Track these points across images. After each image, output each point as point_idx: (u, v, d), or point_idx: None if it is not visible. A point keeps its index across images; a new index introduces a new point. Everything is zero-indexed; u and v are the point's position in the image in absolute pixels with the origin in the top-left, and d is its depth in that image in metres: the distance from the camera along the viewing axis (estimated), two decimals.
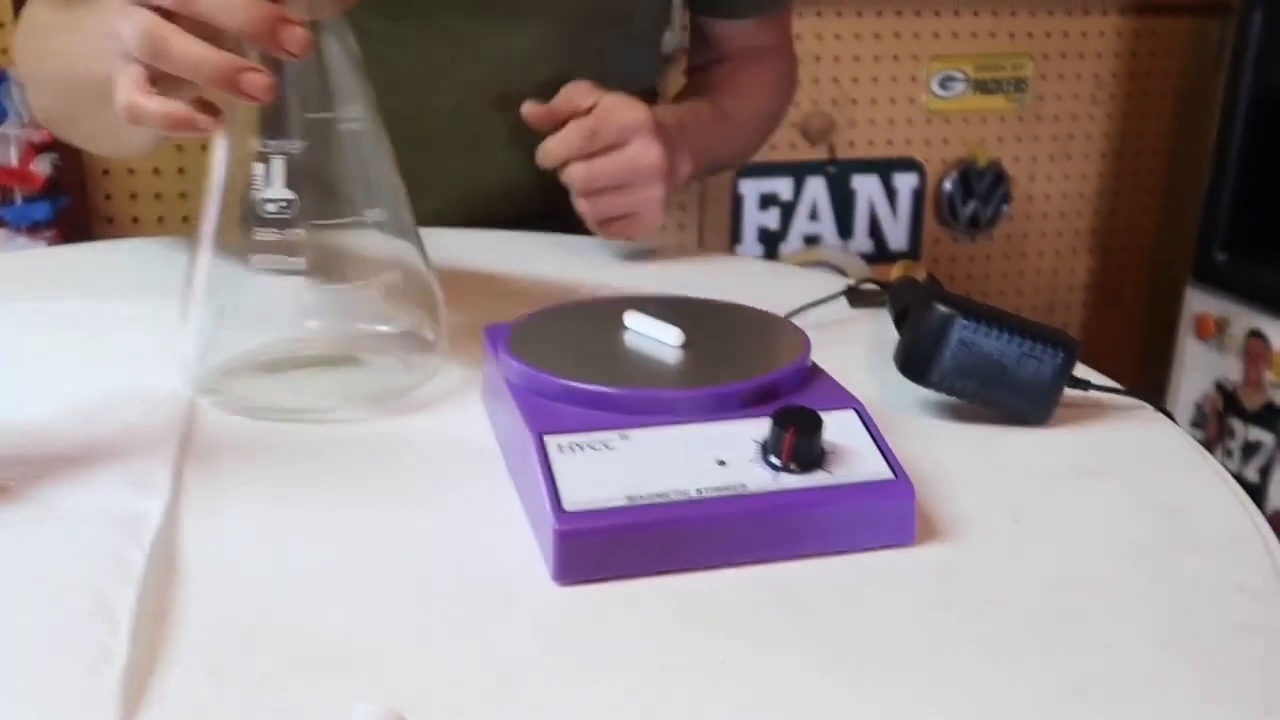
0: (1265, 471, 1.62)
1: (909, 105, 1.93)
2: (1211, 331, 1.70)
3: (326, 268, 0.58)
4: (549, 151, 0.83)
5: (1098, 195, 2.08)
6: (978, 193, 1.99)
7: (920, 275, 0.79)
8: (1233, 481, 0.54)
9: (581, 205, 0.84)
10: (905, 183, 1.97)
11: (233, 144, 0.57)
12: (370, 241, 0.60)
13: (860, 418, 0.50)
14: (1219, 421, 1.70)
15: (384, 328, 0.63)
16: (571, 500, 0.44)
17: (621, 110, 0.83)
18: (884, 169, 1.95)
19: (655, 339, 0.55)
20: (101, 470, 0.51)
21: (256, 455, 0.54)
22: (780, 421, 0.47)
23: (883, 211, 1.97)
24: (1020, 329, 0.58)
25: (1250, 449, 1.64)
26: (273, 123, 0.56)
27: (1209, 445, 1.72)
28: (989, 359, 0.58)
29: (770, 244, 1.93)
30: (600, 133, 0.82)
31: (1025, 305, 2.11)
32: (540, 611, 0.42)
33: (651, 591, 0.44)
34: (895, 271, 0.81)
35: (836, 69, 1.88)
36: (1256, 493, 1.63)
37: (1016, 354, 0.58)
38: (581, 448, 0.47)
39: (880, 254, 1.97)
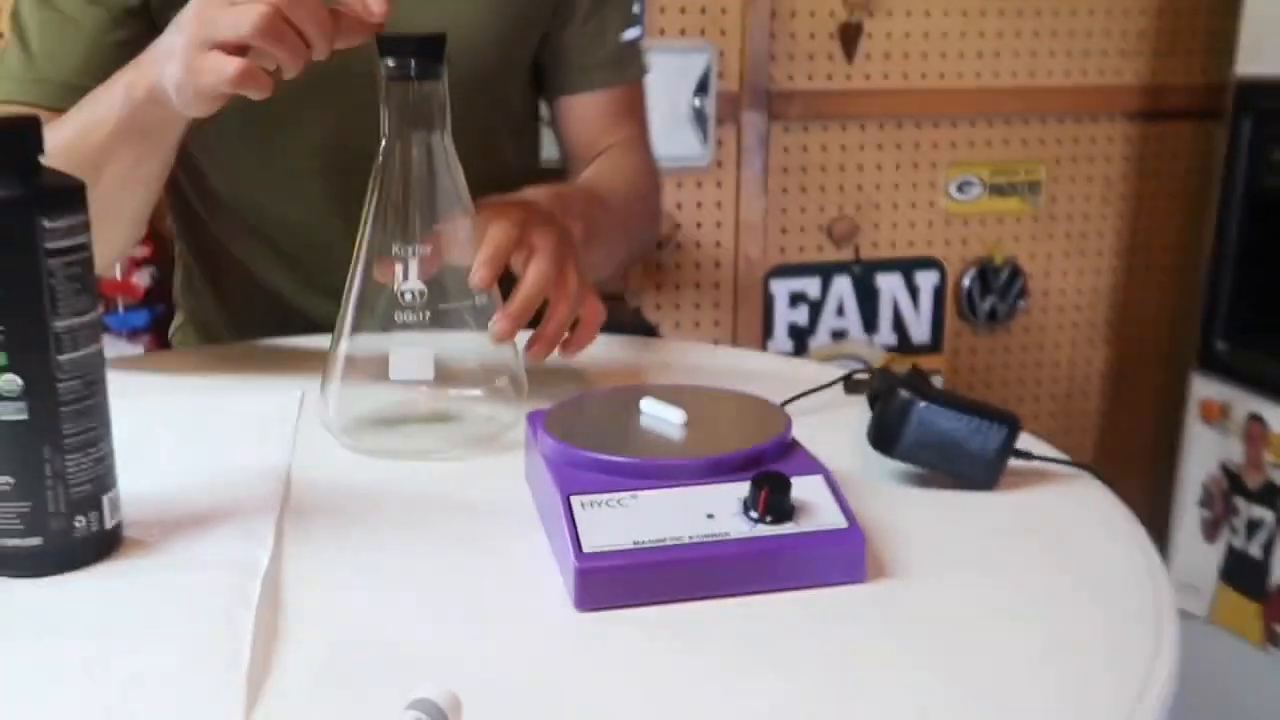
0: (1268, 548, 1.69)
1: (928, 208, 2.05)
2: (1215, 415, 1.78)
3: (439, 343, 0.75)
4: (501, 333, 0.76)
5: (1111, 290, 2.18)
6: (995, 289, 2.10)
7: (905, 368, 0.90)
8: (1142, 534, 0.64)
9: (540, 348, 0.79)
10: (926, 280, 2.08)
11: (372, 249, 0.74)
12: (470, 323, 0.76)
13: (826, 481, 0.61)
14: (1225, 501, 1.78)
15: (477, 391, 0.78)
16: (590, 544, 0.56)
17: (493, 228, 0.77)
18: (906, 268, 2.07)
19: (663, 419, 0.66)
20: (221, 528, 0.63)
21: (340, 514, 0.66)
22: (756, 483, 0.58)
23: (906, 307, 2.07)
24: (970, 409, 0.69)
25: (1254, 526, 1.71)
26: (405, 230, 0.73)
27: (1216, 523, 1.79)
28: (943, 434, 0.69)
29: (800, 339, 2.04)
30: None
31: (1045, 394, 2.19)
32: (564, 632, 0.53)
33: (653, 617, 0.54)
34: (879, 364, 0.92)
35: (860, 176, 2.01)
36: (1260, 568, 1.69)
37: (966, 430, 0.68)
38: (599, 504, 0.58)
39: (904, 347, 2.08)
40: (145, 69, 0.80)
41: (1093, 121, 2.08)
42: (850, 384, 0.90)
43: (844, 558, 0.58)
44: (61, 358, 0.58)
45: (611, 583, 0.55)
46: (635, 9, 1.15)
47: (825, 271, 2.03)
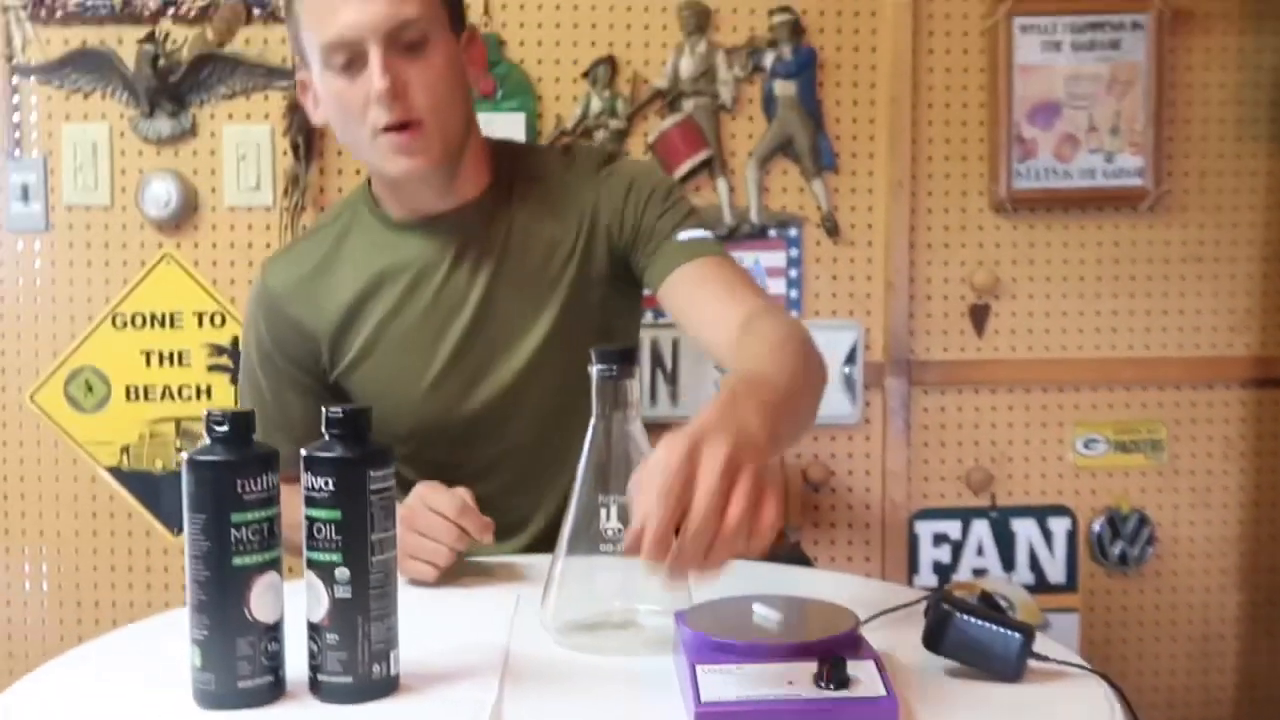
0: None
1: (1058, 461, 2.24)
2: None
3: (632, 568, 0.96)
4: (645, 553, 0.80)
5: (1239, 539, 2.28)
6: (1124, 535, 2.24)
7: (975, 593, 1.11)
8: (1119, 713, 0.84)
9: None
10: (1059, 526, 2.24)
11: (584, 497, 0.99)
12: None
13: (876, 663, 0.84)
14: None
15: (657, 606, 0.99)
16: (706, 697, 0.80)
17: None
18: (1039, 514, 2.24)
19: (767, 618, 0.91)
20: (464, 679, 0.90)
21: (544, 674, 0.92)
22: (822, 661, 0.82)
23: (1041, 550, 2.23)
24: (996, 621, 0.91)
25: None
26: (609, 485, 0.98)
27: None
28: (975, 638, 0.90)
29: (943, 575, 2.22)
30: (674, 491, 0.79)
31: (1181, 635, 2.28)
32: None
33: None
34: (956, 588, 1.13)
35: (993, 433, 2.22)
36: None
37: (990, 636, 0.90)
38: (715, 671, 0.83)
39: (1041, 586, 2.22)
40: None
41: (1208, 388, 2.25)
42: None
43: (882, 715, 0.80)
44: (373, 559, 0.87)
45: None
46: (693, 215, 1.37)
47: (964, 516, 2.23)
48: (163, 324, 2.14)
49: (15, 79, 2.12)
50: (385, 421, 1.33)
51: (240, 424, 0.87)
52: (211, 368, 2.14)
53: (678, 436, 0.81)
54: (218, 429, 0.86)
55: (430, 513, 1.16)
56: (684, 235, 1.34)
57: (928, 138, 2.18)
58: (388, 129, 1.24)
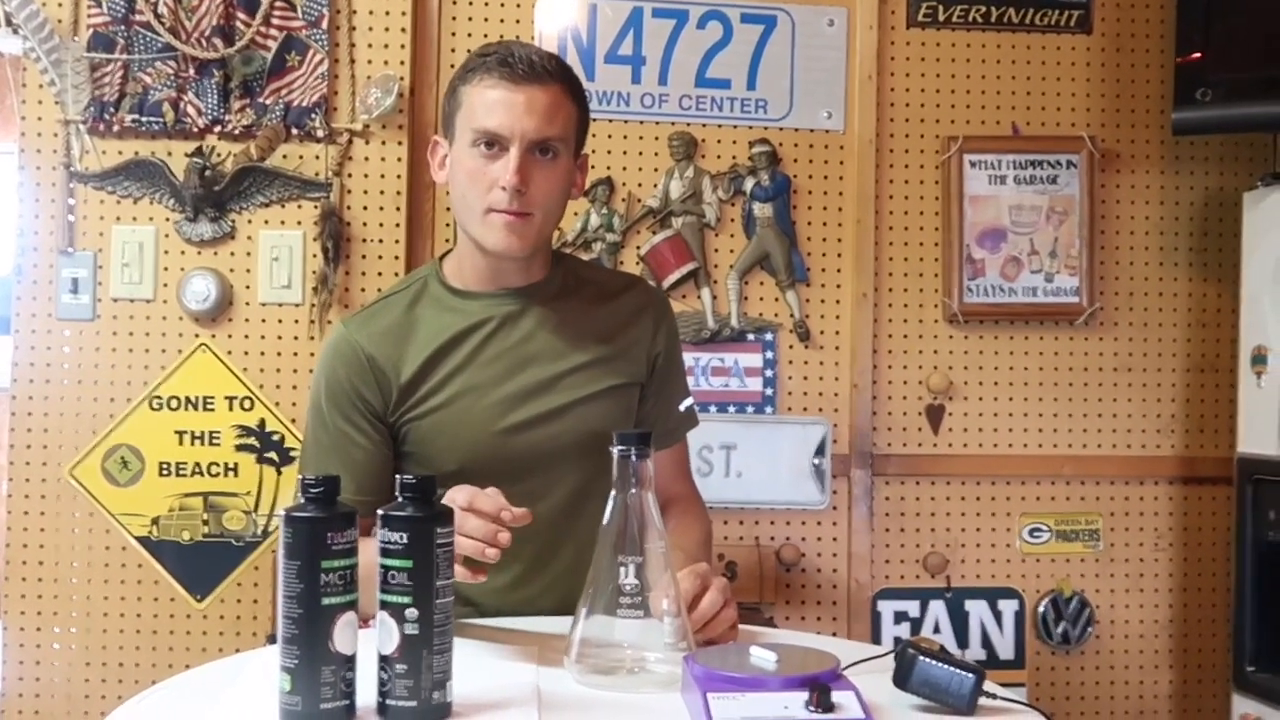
0: None
1: (1006, 548, 2.39)
2: None
3: (647, 621, 1.13)
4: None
5: (1170, 622, 2.44)
6: (1066, 616, 2.39)
7: (936, 646, 1.25)
8: None
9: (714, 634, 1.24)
10: (1008, 607, 2.39)
11: (605, 558, 1.13)
12: (662, 605, 1.13)
13: (856, 693, 0.98)
14: None
15: (660, 655, 1.13)
16: (718, 717, 0.94)
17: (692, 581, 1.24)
18: (990, 595, 2.39)
19: (764, 659, 1.05)
20: (505, 708, 1.04)
21: (571, 706, 1.05)
22: (811, 689, 0.96)
23: (991, 628, 2.38)
24: (953, 663, 1.05)
25: None
26: (626, 548, 1.12)
27: None
28: (935, 677, 1.05)
29: None
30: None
31: (1119, 709, 2.42)
32: None
33: None
34: (920, 640, 1.27)
35: (948, 521, 2.38)
36: None
37: (947, 676, 1.05)
38: (723, 698, 0.97)
39: (992, 662, 2.36)
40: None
41: (1139, 484, 2.42)
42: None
43: None
44: (437, 601, 1.01)
45: None
46: (688, 381, 1.59)
47: (922, 596, 2.37)
48: (196, 407, 2.28)
49: (72, 184, 2.28)
50: (436, 459, 1.46)
51: (330, 486, 1.01)
52: (239, 447, 2.27)
53: (700, 572, 1.26)
54: (312, 490, 1.00)
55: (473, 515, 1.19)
56: (683, 405, 1.59)
57: (888, 256, 2.38)
58: (503, 211, 1.41)
